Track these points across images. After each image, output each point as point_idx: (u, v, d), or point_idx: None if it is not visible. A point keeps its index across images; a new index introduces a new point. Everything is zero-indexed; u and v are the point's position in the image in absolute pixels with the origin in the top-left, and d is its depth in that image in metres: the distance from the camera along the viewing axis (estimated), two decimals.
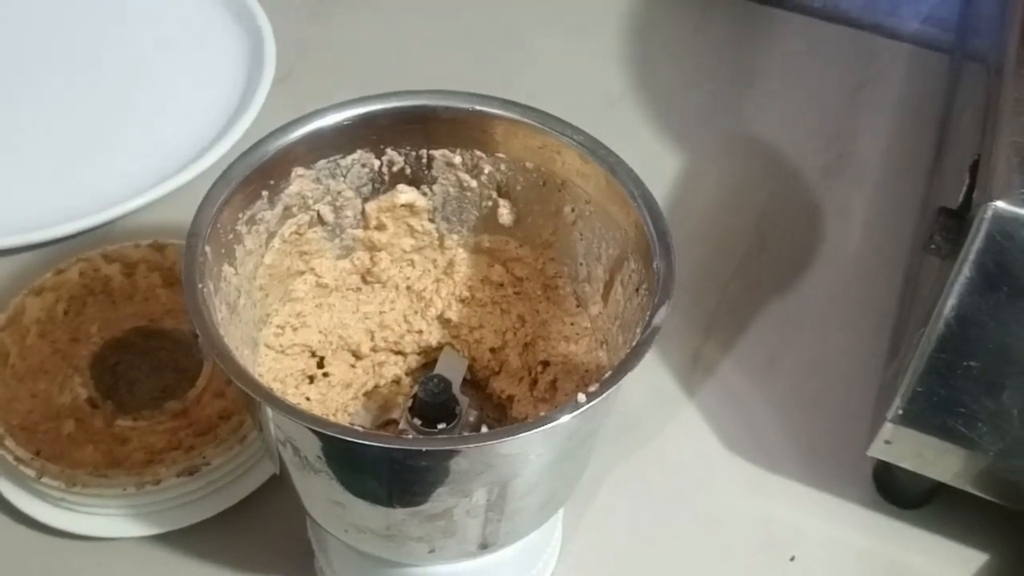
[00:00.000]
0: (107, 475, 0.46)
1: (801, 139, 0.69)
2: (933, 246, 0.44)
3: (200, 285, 0.34)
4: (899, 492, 0.51)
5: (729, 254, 0.62)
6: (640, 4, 0.78)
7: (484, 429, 0.40)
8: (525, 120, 0.40)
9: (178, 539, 0.47)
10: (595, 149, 0.39)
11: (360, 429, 0.40)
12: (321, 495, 0.36)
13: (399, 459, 0.32)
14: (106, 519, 0.47)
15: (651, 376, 0.55)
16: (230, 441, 0.47)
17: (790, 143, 0.68)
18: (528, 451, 0.33)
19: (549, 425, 0.31)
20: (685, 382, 0.55)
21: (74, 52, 0.69)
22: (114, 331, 0.52)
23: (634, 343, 0.33)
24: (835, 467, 0.52)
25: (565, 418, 0.31)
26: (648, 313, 0.34)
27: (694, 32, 0.76)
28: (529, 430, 0.31)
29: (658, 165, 0.66)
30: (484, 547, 0.38)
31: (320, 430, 0.31)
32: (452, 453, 0.31)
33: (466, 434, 0.39)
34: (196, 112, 0.64)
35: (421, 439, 0.37)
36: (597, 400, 0.32)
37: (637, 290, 0.38)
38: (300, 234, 0.42)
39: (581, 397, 0.32)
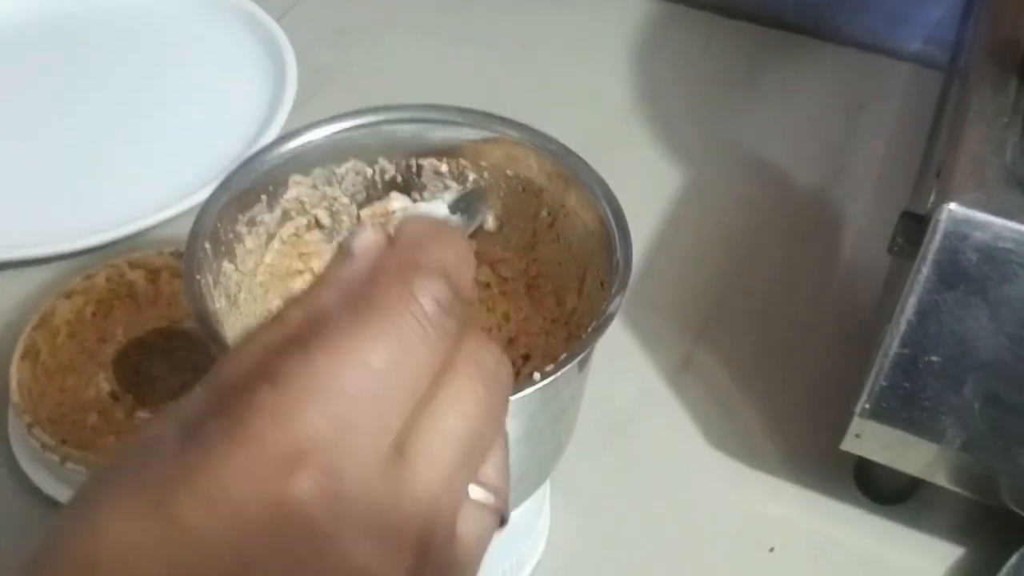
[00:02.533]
0: None
1: (801, 156, 0.71)
2: (896, 248, 0.47)
3: (198, 276, 0.38)
4: (878, 488, 0.53)
5: (726, 265, 0.64)
6: (646, 24, 0.81)
7: None
8: (500, 130, 0.43)
9: None
10: (563, 155, 0.42)
11: None
12: None
13: None
14: None
15: (641, 376, 0.58)
16: None
17: (790, 160, 0.71)
18: None
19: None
20: (674, 382, 0.58)
21: (105, 75, 0.73)
22: (137, 332, 0.56)
23: (590, 329, 0.36)
24: (817, 464, 0.54)
25: (522, 393, 0.34)
26: (605, 304, 0.37)
27: (699, 52, 0.79)
28: None
29: (662, 180, 0.69)
30: None
31: None
32: None
33: None
34: (220, 133, 0.69)
35: None
36: (551, 378, 0.35)
37: (602, 284, 0.41)
38: (299, 236, 0.45)
39: (536, 375, 0.35)
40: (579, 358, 0.35)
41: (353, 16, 0.80)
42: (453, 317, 0.25)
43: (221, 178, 0.61)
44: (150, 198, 0.63)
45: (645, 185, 0.69)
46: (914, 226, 0.46)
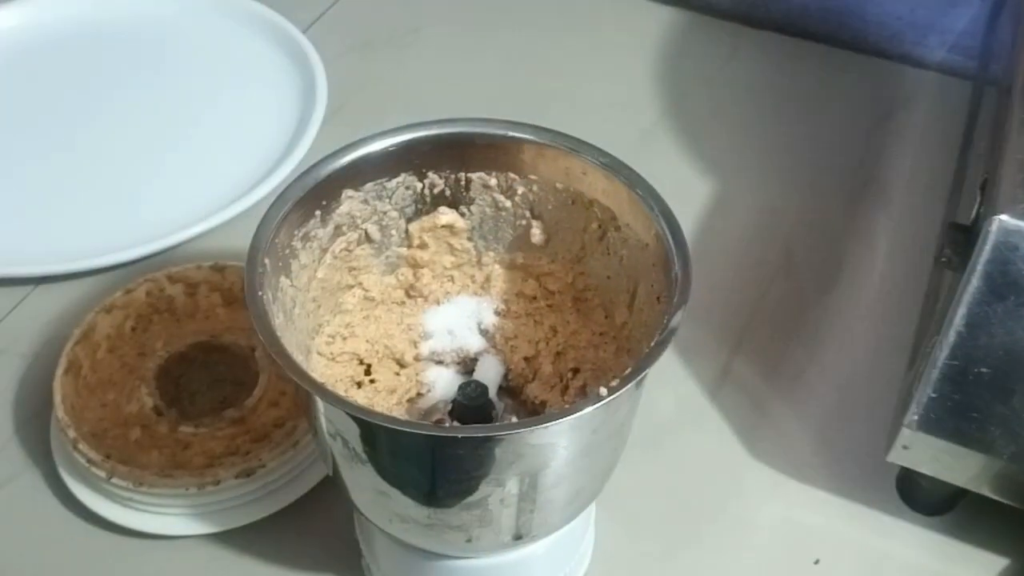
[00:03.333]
0: (171, 476, 0.49)
1: (829, 166, 0.71)
2: (944, 259, 0.47)
3: (260, 293, 0.38)
4: (921, 498, 0.53)
5: (759, 274, 0.64)
6: (672, 34, 0.81)
7: None
8: (553, 144, 0.43)
9: (236, 537, 0.51)
10: (618, 169, 0.42)
11: (401, 418, 0.43)
12: (368, 485, 0.39)
13: (436, 446, 0.35)
14: (170, 518, 0.50)
15: (680, 387, 0.58)
16: (284, 445, 0.51)
17: (818, 169, 0.71)
18: (555, 441, 0.36)
19: (574, 416, 0.34)
20: (713, 394, 0.58)
21: (137, 87, 0.74)
22: (177, 346, 0.56)
23: (652, 344, 0.36)
24: (859, 475, 0.54)
25: (588, 409, 0.34)
26: (667, 317, 0.37)
27: (725, 62, 0.79)
28: (555, 420, 0.34)
29: (691, 190, 0.69)
30: (518, 538, 0.41)
31: (364, 418, 0.34)
32: (485, 440, 0.34)
33: (498, 423, 0.42)
34: (253, 145, 0.69)
35: (456, 427, 0.40)
36: (617, 394, 0.35)
37: (659, 299, 0.41)
38: (349, 251, 0.45)
39: (603, 391, 0.35)
40: (642, 375, 0.35)
41: (378, 29, 0.81)
42: None
43: (259, 194, 0.62)
44: (185, 211, 0.63)
45: (674, 196, 0.67)
46: (961, 237, 0.46)
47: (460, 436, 0.34)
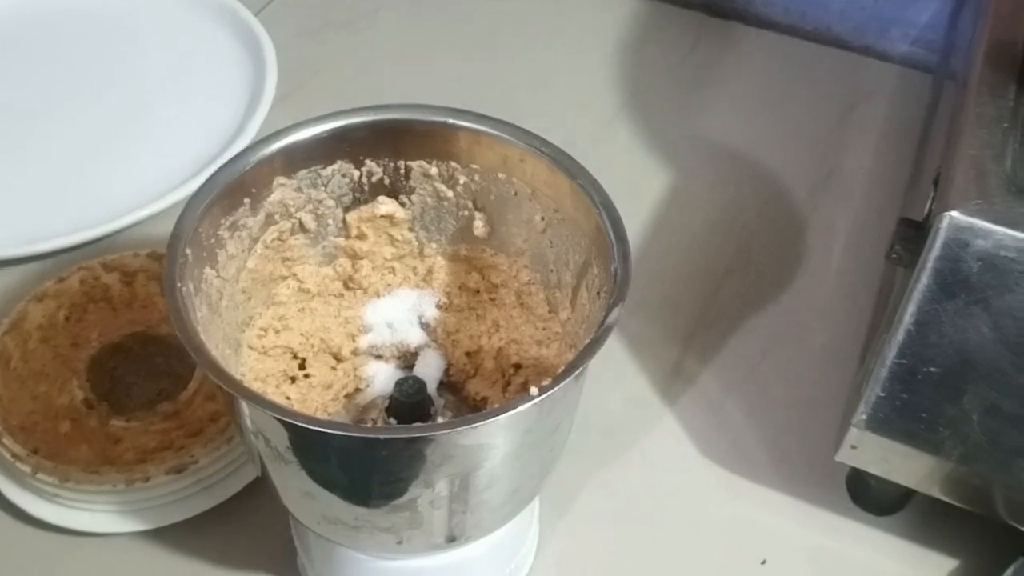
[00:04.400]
0: (99, 472, 0.48)
1: (790, 158, 0.70)
2: (894, 255, 0.46)
3: (180, 284, 0.36)
4: (871, 498, 0.52)
5: (714, 269, 0.63)
6: (635, 22, 0.80)
7: None
8: (493, 132, 0.42)
9: (168, 535, 0.49)
10: (559, 159, 0.41)
11: (322, 418, 0.42)
12: (294, 486, 0.38)
13: (360, 448, 0.33)
14: (98, 515, 0.49)
15: (631, 385, 0.57)
16: (217, 441, 0.49)
17: (779, 162, 0.70)
18: (486, 442, 0.35)
19: (504, 415, 0.33)
20: (664, 391, 0.57)
21: (82, 70, 0.72)
22: (112, 337, 0.54)
23: (587, 341, 0.35)
24: (809, 474, 0.53)
25: (519, 408, 0.33)
26: (604, 314, 0.36)
27: (688, 52, 0.78)
28: (484, 420, 0.33)
29: (649, 182, 0.68)
30: (451, 540, 0.39)
31: (284, 418, 0.33)
32: (411, 441, 0.33)
33: (422, 424, 0.40)
34: (198, 130, 0.67)
35: (380, 427, 0.39)
36: (549, 393, 0.33)
37: (599, 294, 0.40)
38: (282, 240, 0.44)
39: (534, 390, 0.33)
40: (576, 373, 0.34)
41: (335, 11, 0.79)
42: None
43: (202, 180, 0.60)
44: (125, 197, 0.61)
45: (631, 186, 0.68)
46: (912, 233, 0.45)
47: (384, 437, 0.33)
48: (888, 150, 0.70)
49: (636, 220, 0.65)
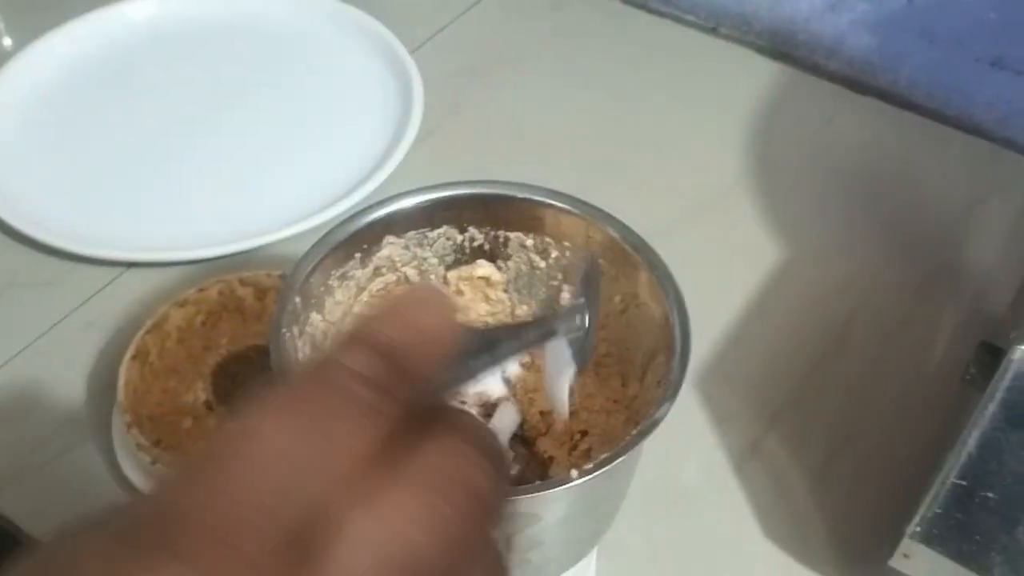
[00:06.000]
0: None
1: (908, 245, 0.70)
2: (968, 377, 0.47)
3: (284, 330, 0.41)
4: None
5: (811, 350, 0.64)
6: (772, 89, 0.81)
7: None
8: (583, 215, 0.45)
9: None
10: (642, 249, 0.44)
11: None
12: None
13: None
14: None
15: (708, 455, 0.59)
16: None
17: (896, 248, 0.70)
18: (526, 511, 0.38)
19: (541, 493, 0.36)
20: (739, 467, 0.58)
21: (238, 88, 0.78)
22: (240, 345, 0.60)
23: (633, 432, 0.38)
24: (868, 572, 0.54)
25: (557, 490, 0.36)
26: (654, 408, 0.38)
27: (822, 125, 0.78)
28: (523, 495, 0.36)
29: (759, 253, 0.69)
30: None
31: None
32: None
33: None
34: (340, 159, 0.72)
35: None
36: (588, 478, 0.36)
37: (659, 383, 0.42)
38: (388, 291, 0.48)
39: (574, 473, 0.36)
40: (614, 464, 0.37)
41: (485, 56, 0.83)
42: (385, 395, 0.22)
43: (339, 209, 0.65)
44: (267, 217, 0.67)
45: (741, 256, 0.69)
46: (989, 359, 0.46)
47: None
48: (1011, 250, 0.69)
49: (739, 292, 0.67)
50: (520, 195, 0.46)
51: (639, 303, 0.45)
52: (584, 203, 0.45)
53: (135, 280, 0.66)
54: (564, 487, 0.36)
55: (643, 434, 0.38)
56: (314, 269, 0.44)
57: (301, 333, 0.43)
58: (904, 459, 0.58)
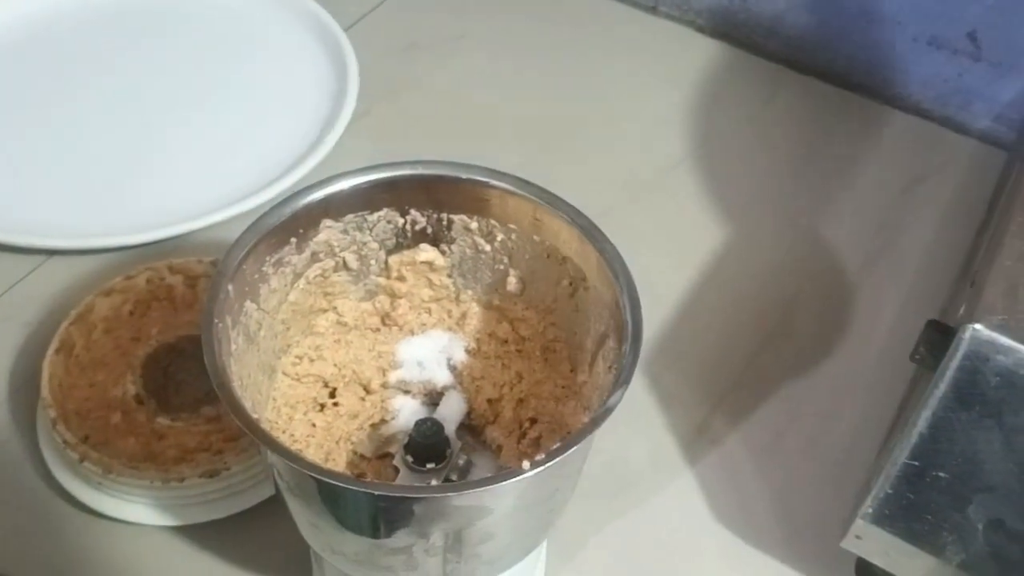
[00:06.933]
0: (139, 468, 0.51)
1: (850, 226, 0.70)
2: (918, 356, 0.46)
3: (217, 320, 0.39)
4: None
5: (756, 331, 0.64)
6: (714, 69, 0.80)
7: (472, 474, 0.44)
8: (529, 196, 0.44)
9: (197, 533, 0.52)
10: (591, 232, 0.43)
11: (320, 465, 0.43)
12: (302, 515, 0.40)
13: (356, 498, 0.35)
14: (137, 506, 0.52)
15: (655, 438, 0.58)
16: (251, 451, 0.52)
17: (838, 229, 0.69)
18: (478, 504, 0.36)
19: (493, 486, 0.35)
20: (687, 449, 0.58)
21: (163, 71, 0.74)
22: (170, 336, 0.58)
23: (586, 420, 0.36)
24: (819, 552, 0.54)
25: (509, 482, 0.35)
26: (606, 395, 0.37)
27: (762, 105, 0.78)
28: (472, 488, 0.35)
29: (703, 234, 0.69)
30: None
31: (289, 462, 0.35)
32: (405, 500, 0.35)
33: (419, 484, 0.42)
34: (273, 140, 0.69)
35: (377, 483, 0.41)
36: (540, 469, 0.35)
37: (611, 367, 0.41)
38: (325, 277, 0.46)
39: (526, 464, 0.35)
40: (569, 451, 0.36)
41: (424, 32, 0.81)
42: None
43: (271, 193, 0.63)
44: (197, 201, 0.65)
45: (686, 237, 0.68)
46: (939, 338, 0.45)
47: (377, 494, 0.35)
48: (951, 228, 0.70)
49: (684, 272, 0.66)
50: (464, 176, 0.44)
51: (587, 286, 0.44)
52: (531, 184, 0.44)
53: (57, 269, 0.63)
54: (516, 479, 0.35)
55: (596, 423, 0.36)
56: (247, 255, 0.41)
57: (235, 323, 0.41)
58: (852, 438, 0.58)
